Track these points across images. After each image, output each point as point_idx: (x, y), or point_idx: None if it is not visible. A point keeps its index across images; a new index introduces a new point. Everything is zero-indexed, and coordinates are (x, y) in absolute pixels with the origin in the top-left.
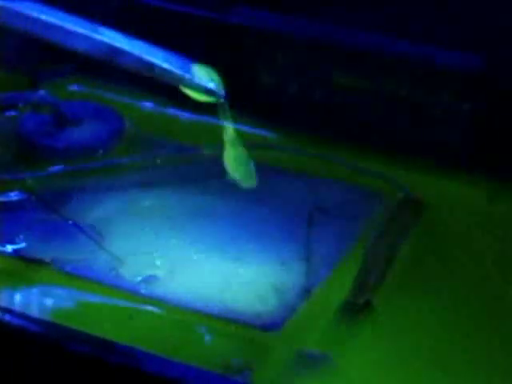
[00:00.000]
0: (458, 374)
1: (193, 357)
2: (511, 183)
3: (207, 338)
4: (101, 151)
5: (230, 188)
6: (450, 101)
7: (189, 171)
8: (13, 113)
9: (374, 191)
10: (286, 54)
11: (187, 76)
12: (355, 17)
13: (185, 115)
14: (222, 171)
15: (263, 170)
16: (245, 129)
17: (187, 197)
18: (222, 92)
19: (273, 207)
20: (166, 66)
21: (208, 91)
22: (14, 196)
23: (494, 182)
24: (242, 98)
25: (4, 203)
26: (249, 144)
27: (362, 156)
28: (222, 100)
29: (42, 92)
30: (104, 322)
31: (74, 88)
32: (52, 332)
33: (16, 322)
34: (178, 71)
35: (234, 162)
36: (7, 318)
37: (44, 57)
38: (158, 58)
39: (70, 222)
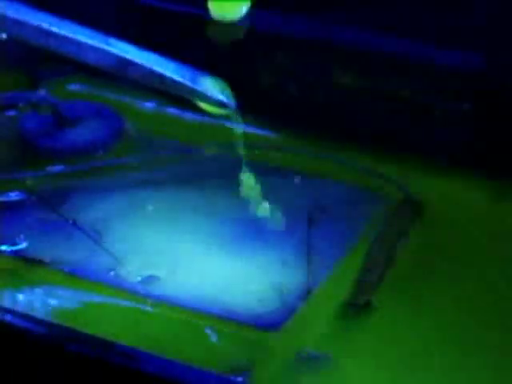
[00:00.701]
0: (458, 373)
1: (193, 357)
2: (511, 183)
3: (207, 338)
4: (101, 151)
5: (230, 188)
6: (449, 101)
7: (189, 171)
8: (13, 113)
9: (373, 191)
10: (285, 54)
11: (198, 88)
12: (355, 17)
13: (185, 115)
14: (221, 171)
15: (263, 169)
16: (245, 129)
17: (187, 197)
18: (232, 104)
19: (273, 207)
20: (177, 78)
21: (219, 103)
22: (14, 196)
23: (494, 182)
24: (242, 98)
25: (4, 203)
26: (249, 144)
27: (362, 156)
28: (233, 111)
29: (42, 92)
30: (104, 323)
31: (73, 88)
32: (52, 332)
33: (16, 322)
34: (188, 83)
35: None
36: (7, 318)
37: (44, 57)
38: (169, 70)
39: (70, 222)
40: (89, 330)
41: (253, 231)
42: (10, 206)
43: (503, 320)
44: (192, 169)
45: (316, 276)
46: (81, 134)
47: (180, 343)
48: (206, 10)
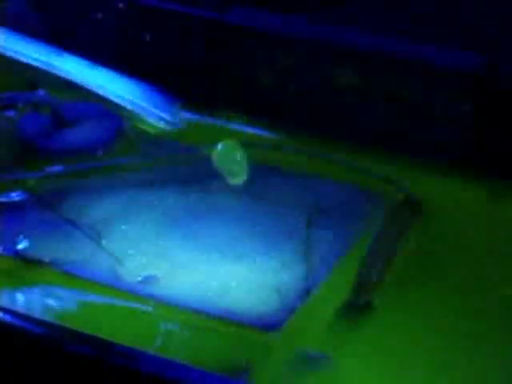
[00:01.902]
0: (457, 373)
1: (193, 357)
2: (511, 183)
3: (207, 338)
4: (101, 151)
5: (230, 188)
6: (450, 101)
7: (189, 171)
8: (12, 113)
9: (373, 191)
10: (286, 54)
11: (144, 104)
12: (355, 17)
13: (185, 115)
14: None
15: (263, 170)
16: (245, 129)
17: (187, 197)
18: (177, 121)
19: (273, 207)
20: (123, 93)
21: (164, 120)
22: (14, 196)
23: (494, 182)
24: (242, 98)
25: (4, 203)
26: (249, 144)
27: (362, 156)
28: (175, 129)
29: (41, 92)
30: (104, 322)
31: (73, 88)
32: (52, 332)
33: (16, 322)
34: (135, 99)
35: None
36: (7, 318)
37: None
38: (116, 86)
39: (70, 222)
40: (88, 329)
41: (253, 231)
42: (11, 207)
43: (503, 319)
44: (192, 169)
45: (315, 276)
46: (80, 134)
47: (180, 343)
48: (206, 9)
